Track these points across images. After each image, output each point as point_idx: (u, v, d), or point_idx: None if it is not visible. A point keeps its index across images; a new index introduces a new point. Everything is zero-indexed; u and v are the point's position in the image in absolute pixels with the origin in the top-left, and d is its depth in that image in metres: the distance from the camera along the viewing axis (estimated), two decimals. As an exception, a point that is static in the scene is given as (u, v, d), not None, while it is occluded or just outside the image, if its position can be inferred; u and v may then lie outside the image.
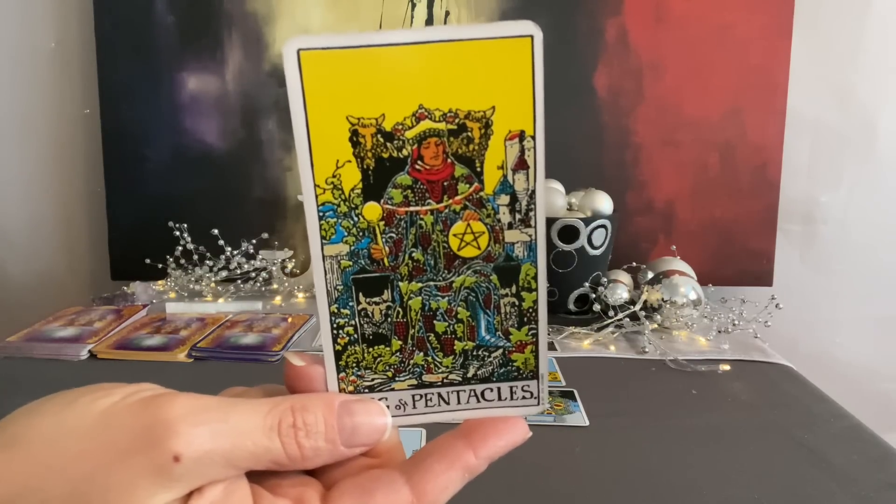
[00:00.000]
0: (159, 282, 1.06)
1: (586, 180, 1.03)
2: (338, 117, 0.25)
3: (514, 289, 0.27)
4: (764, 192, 1.11)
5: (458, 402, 0.28)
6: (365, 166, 0.26)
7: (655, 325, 0.85)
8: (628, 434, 0.58)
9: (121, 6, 1.11)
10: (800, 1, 1.06)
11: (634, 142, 1.11)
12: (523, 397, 0.28)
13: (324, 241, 0.26)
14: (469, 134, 0.25)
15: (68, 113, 1.19)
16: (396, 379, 0.28)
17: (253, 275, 1.05)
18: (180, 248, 1.02)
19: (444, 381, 0.28)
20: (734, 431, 0.59)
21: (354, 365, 0.28)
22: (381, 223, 0.26)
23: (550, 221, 0.91)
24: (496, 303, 0.27)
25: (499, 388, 0.28)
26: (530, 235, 0.27)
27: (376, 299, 0.27)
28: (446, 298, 0.27)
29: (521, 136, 0.25)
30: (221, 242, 1.01)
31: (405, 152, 0.26)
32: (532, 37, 0.24)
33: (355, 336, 0.27)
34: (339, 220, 0.26)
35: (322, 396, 0.26)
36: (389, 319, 0.27)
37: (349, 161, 0.26)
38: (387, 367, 0.28)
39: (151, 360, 0.76)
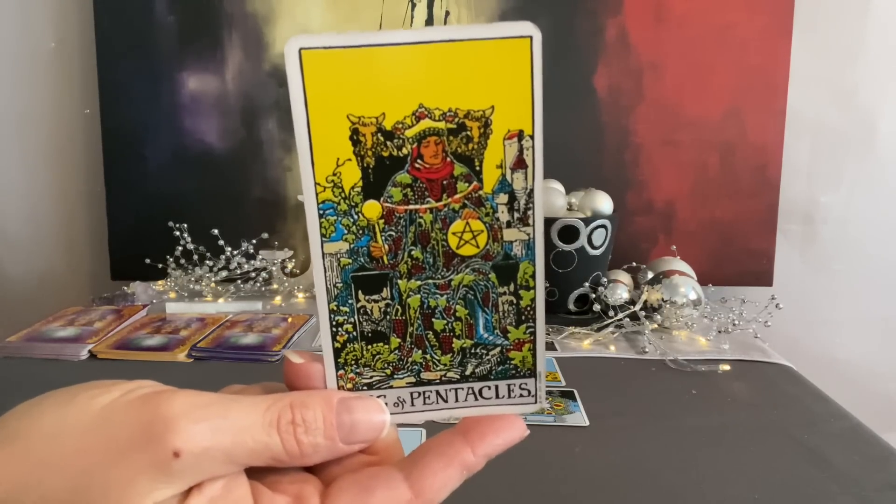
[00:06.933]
0: (159, 282, 1.06)
1: (586, 180, 1.03)
2: (338, 116, 0.25)
3: (512, 287, 0.27)
4: (764, 193, 1.11)
5: (456, 400, 0.28)
6: (365, 165, 0.26)
7: (655, 325, 0.85)
8: (628, 434, 0.58)
9: (121, 6, 1.11)
10: (800, 1, 1.06)
11: (634, 142, 1.11)
12: (521, 395, 0.28)
13: (324, 239, 0.26)
14: (468, 133, 0.26)
15: (68, 113, 1.19)
16: (395, 376, 0.28)
17: (253, 275, 1.05)
18: (180, 248, 1.02)
19: (443, 378, 0.28)
20: (734, 431, 0.59)
21: (353, 362, 0.28)
22: (381, 221, 0.26)
23: (550, 221, 0.91)
24: (494, 301, 0.27)
25: (496, 386, 0.28)
26: (528, 234, 0.27)
27: (375, 297, 0.27)
28: (445, 296, 0.27)
29: (520, 135, 0.26)
30: (221, 242, 1.01)
31: (405, 151, 0.26)
32: (531, 37, 0.25)
33: (354, 333, 0.27)
34: (339, 218, 0.26)
35: (321, 393, 0.26)
36: (388, 317, 0.27)
37: (349, 159, 0.26)
38: (385, 365, 0.28)
39: (151, 360, 0.76)
